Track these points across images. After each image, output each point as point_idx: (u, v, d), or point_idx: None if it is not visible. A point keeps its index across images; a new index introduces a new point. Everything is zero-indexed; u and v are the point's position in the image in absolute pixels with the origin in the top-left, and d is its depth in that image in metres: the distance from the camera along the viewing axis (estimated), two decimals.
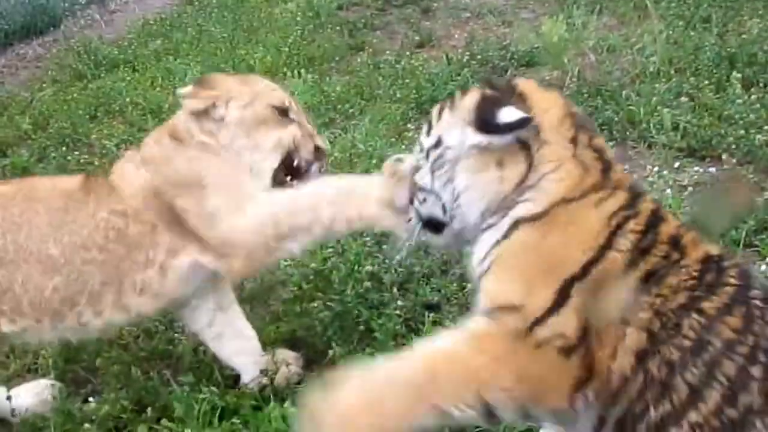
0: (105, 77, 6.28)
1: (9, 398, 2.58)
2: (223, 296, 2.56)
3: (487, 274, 1.66)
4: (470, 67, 5.16)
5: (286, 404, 2.35)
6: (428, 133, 1.84)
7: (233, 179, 2.34)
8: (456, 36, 6.31)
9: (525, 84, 1.79)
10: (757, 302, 1.49)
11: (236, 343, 2.57)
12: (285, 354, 2.62)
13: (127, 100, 5.46)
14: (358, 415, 1.51)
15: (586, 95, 4.43)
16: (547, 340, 1.51)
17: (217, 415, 2.39)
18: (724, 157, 3.66)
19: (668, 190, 3.43)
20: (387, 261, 2.96)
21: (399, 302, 2.77)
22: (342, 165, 4.01)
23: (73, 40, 7.73)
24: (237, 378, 2.59)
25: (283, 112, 2.45)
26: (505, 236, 1.66)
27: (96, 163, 4.38)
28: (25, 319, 2.32)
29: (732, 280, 1.53)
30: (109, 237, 2.32)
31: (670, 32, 5.08)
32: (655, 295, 1.51)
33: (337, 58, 6.04)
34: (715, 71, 4.41)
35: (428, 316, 2.68)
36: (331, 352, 2.56)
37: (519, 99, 1.72)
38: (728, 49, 4.60)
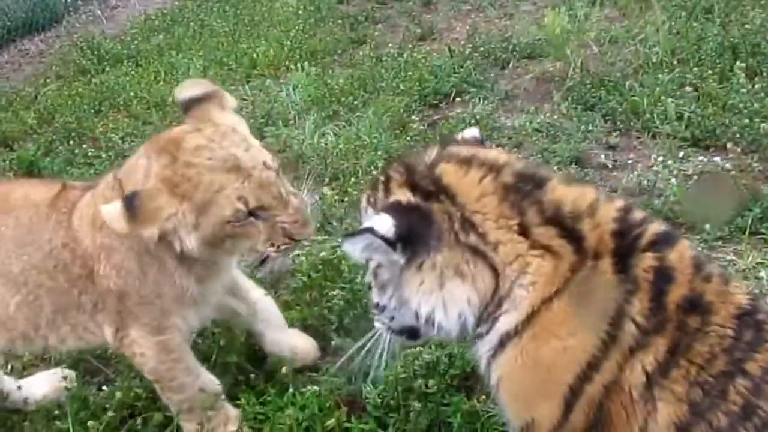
0: (108, 72, 6.30)
1: (20, 387, 2.61)
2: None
3: (498, 399, 1.59)
4: (473, 59, 5.17)
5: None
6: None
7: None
8: (457, 29, 6.31)
9: (448, 169, 1.55)
10: None
11: None
12: None
13: (131, 94, 5.48)
14: None
15: (589, 86, 4.45)
16: None
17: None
18: (728, 146, 3.67)
19: (673, 180, 3.45)
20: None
21: None
22: (347, 156, 4.03)
23: (76, 35, 7.74)
24: (251, 365, 2.61)
25: (247, 214, 2.01)
26: (495, 355, 1.53)
27: (103, 156, 4.40)
28: None
29: None
30: (58, 266, 2.20)
31: (673, 23, 5.08)
32: (687, 365, 1.41)
33: (339, 52, 6.05)
34: (718, 61, 4.42)
35: None
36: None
37: (445, 193, 1.51)
38: (731, 39, 4.61)
